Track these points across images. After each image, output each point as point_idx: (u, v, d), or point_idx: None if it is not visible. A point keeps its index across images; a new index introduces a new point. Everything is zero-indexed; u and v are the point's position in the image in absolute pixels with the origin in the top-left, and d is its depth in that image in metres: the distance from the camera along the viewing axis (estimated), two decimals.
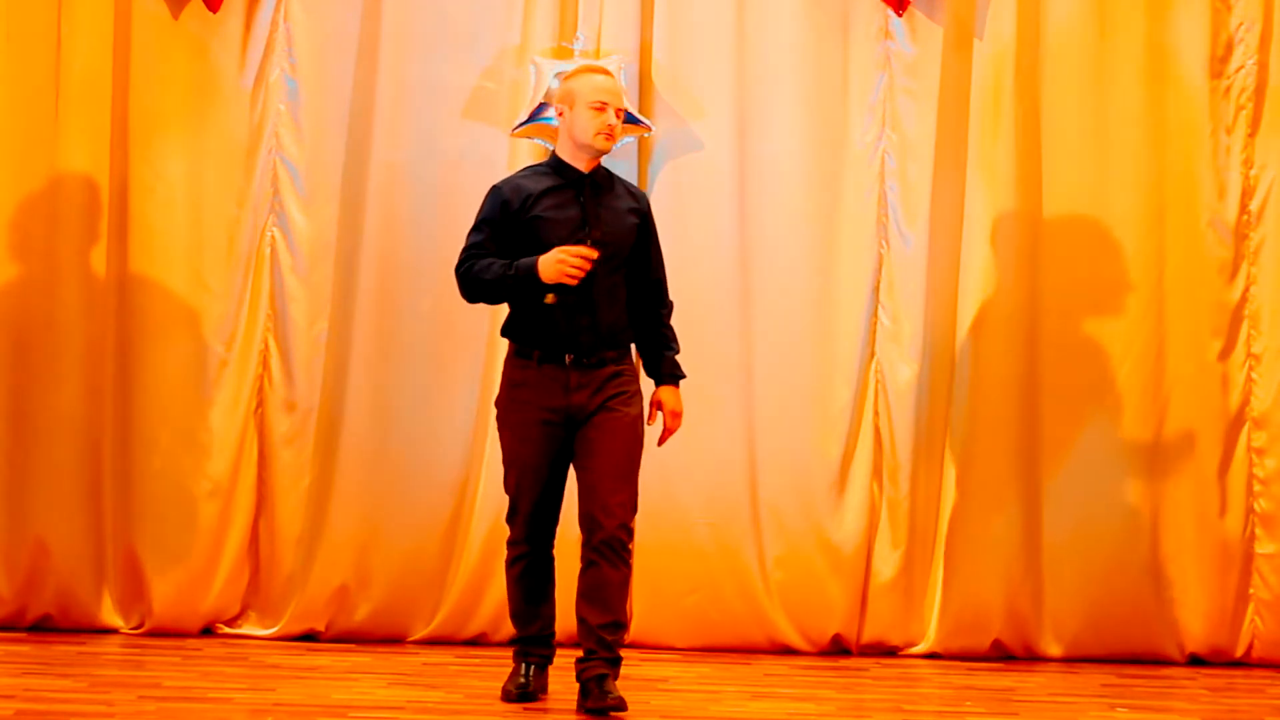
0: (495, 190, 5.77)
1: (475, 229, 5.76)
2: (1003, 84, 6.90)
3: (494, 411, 5.86)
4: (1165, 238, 6.94)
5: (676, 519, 6.69)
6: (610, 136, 5.70)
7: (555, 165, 5.77)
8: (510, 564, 5.84)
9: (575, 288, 5.58)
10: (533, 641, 5.86)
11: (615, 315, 5.73)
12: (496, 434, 6.69)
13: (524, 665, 5.86)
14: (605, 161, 5.86)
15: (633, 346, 5.86)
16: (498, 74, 6.86)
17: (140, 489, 6.74)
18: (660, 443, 5.89)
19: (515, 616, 5.88)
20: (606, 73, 5.88)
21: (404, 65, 6.83)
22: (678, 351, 5.89)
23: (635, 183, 6.60)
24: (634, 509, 5.68)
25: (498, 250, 5.70)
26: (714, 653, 6.80)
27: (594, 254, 5.57)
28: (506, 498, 5.79)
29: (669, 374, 5.86)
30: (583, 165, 5.74)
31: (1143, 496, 6.92)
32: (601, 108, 5.67)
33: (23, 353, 6.69)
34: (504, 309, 5.87)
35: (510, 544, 5.84)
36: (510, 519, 5.81)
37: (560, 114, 5.76)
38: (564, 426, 5.69)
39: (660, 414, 5.85)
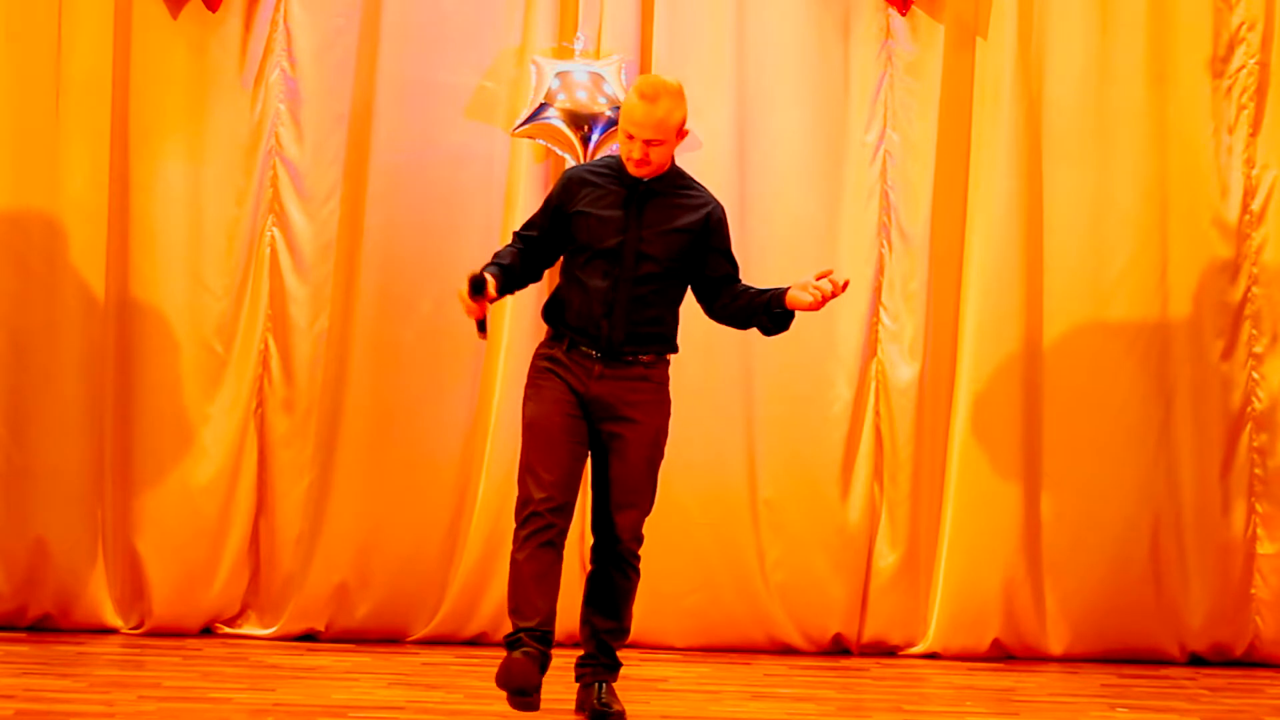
0: (563, 176, 5.60)
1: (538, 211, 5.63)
2: (1004, 84, 6.90)
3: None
4: (1167, 237, 6.94)
5: (676, 519, 6.68)
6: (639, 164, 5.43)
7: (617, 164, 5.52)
8: (521, 542, 5.35)
9: (602, 289, 5.42)
10: (530, 634, 5.35)
11: (647, 319, 5.47)
12: (496, 434, 6.75)
13: (518, 653, 5.32)
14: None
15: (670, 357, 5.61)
16: (498, 74, 6.85)
17: (140, 489, 6.74)
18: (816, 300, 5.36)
19: (515, 607, 5.39)
20: (644, 97, 5.40)
21: (404, 65, 6.82)
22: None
23: None
24: (648, 512, 5.59)
25: (540, 238, 5.56)
26: (714, 653, 6.80)
27: (473, 304, 5.31)
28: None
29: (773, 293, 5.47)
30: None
31: (1143, 496, 6.91)
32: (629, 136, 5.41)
33: (23, 352, 6.68)
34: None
35: (523, 520, 5.37)
36: (523, 491, 5.39)
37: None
38: (584, 413, 5.46)
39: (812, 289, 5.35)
